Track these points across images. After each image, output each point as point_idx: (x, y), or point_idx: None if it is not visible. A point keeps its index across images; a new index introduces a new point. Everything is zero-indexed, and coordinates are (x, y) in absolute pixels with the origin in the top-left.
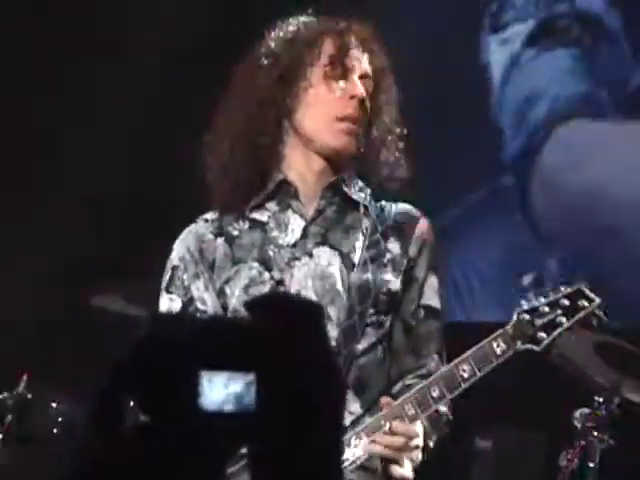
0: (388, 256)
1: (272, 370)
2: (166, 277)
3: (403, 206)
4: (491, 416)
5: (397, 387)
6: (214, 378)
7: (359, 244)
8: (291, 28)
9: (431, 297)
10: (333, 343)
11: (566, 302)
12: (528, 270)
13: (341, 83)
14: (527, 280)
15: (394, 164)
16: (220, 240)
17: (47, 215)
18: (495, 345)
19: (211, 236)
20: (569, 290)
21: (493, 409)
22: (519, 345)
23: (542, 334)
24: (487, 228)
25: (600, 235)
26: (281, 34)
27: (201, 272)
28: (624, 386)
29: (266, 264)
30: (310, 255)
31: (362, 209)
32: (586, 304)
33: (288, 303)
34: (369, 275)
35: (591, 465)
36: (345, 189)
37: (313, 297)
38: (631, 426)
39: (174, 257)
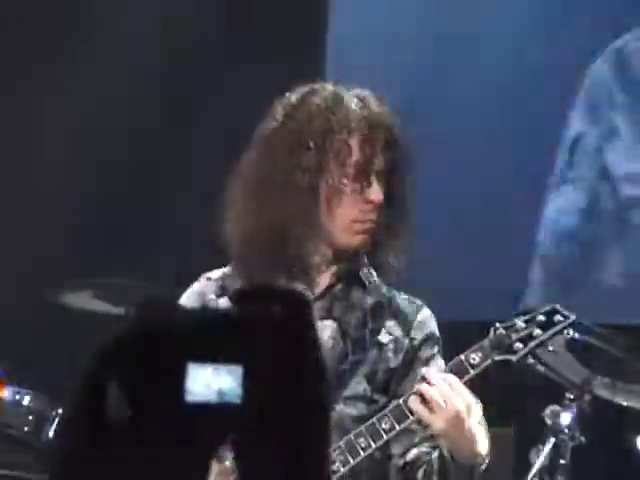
0: (389, 337)
1: (258, 362)
2: None
3: (406, 296)
4: None
5: (410, 455)
6: (200, 369)
7: (360, 321)
8: (320, 110)
9: None
10: None
11: (542, 318)
12: None
13: (361, 184)
14: None
15: (393, 256)
16: (223, 300)
17: (15, 212)
18: (472, 356)
19: (213, 296)
20: (545, 308)
21: None
22: (496, 356)
23: (519, 345)
24: None
25: None
26: (310, 117)
27: None
28: (595, 383)
29: None
30: None
31: (368, 289)
32: (561, 319)
33: (275, 295)
34: (365, 351)
35: (562, 462)
36: (357, 269)
37: None
38: (602, 423)
39: None
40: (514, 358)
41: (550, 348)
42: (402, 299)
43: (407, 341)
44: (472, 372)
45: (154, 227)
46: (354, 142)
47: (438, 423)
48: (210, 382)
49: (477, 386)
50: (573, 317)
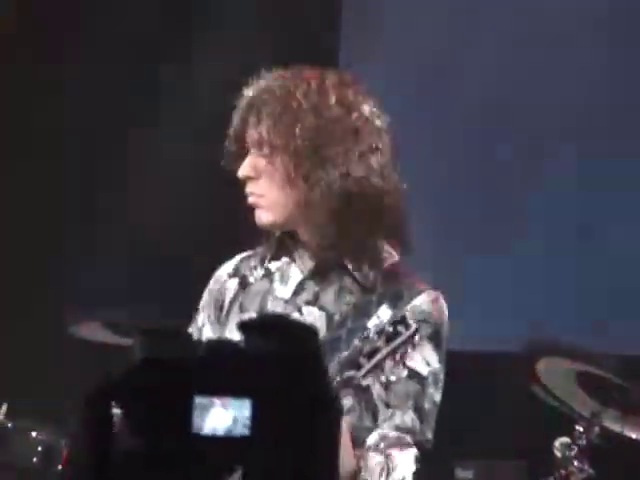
0: (375, 321)
1: (266, 393)
2: (193, 318)
3: (413, 278)
4: (471, 446)
5: (373, 437)
6: (208, 401)
7: (346, 306)
8: (244, 91)
9: (419, 362)
10: None
11: (389, 328)
12: None
13: (237, 161)
14: None
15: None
16: (233, 281)
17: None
18: (329, 372)
19: (226, 277)
20: (395, 318)
21: (473, 439)
22: (345, 372)
23: (364, 360)
24: None
25: None
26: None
27: (211, 314)
28: (604, 416)
29: None
30: (300, 311)
31: (358, 273)
32: (403, 330)
33: (282, 325)
34: (343, 332)
35: None
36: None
37: None
38: (611, 456)
39: (202, 298)
40: (359, 374)
41: (397, 358)
42: (407, 281)
43: (393, 324)
44: None
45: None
46: (232, 121)
47: None
48: (217, 415)
49: (490, 420)
50: (414, 327)
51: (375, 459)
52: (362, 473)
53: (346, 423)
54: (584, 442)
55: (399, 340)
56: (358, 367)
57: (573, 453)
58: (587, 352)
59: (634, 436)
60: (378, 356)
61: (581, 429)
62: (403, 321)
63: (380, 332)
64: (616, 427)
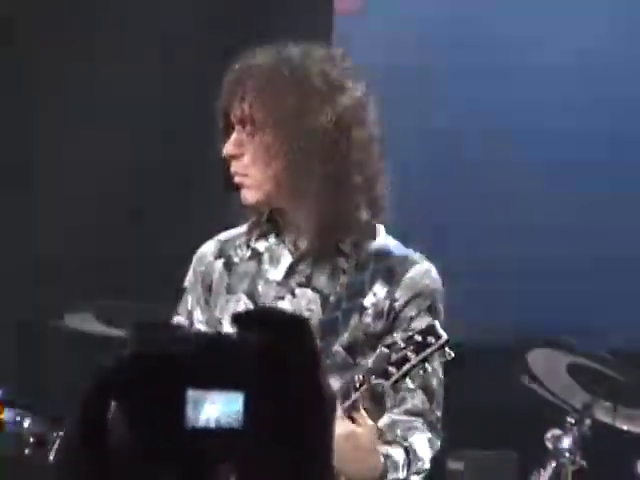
0: (371, 299)
1: (258, 387)
2: (180, 297)
3: (403, 251)
4: (463, 437)
5: (384, 421)
6: (200, 394)
7: (340, 286)
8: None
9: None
10: None
11: (418, 338)
12: None
13: (224, 138)
14: None
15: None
16: (219, 262)
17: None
18: (355, 378)
19: (211, 258)
20: (423, 326)
21: (465, 430)
22: (373, 379)
23: (392, 369)
24: None
25: None
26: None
27: (200, 297)
28: (596, 408)
29: (254, 299)
30: (293, 294)
31: (349, 252)
32: (433, 341)
33: (275, 318)
34: (339, 314)
35: None
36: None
37: None
38: (602, 447)
39: (187, 278)
40: (387, 383)
41: (429, 368)
42: (397, 255)
43: (388, 303)
44: (354, 395)
45: (155, 249)
46: (222, 98)
47: None
48: (210, 409)
49: (481, 411)
50: (445, 337)
51: (398, 454)
52: (389, 474)
53: (372, 426)
54: (576, 434)
55: (429, 350)
56: (386, 376)
57: (565, 445)
58: (579, 344)
59: (625, 428)
60: (407, 366)
61: (573, 421)
62: (432, 330)
63: (408, 340)
64: (608, 419)
